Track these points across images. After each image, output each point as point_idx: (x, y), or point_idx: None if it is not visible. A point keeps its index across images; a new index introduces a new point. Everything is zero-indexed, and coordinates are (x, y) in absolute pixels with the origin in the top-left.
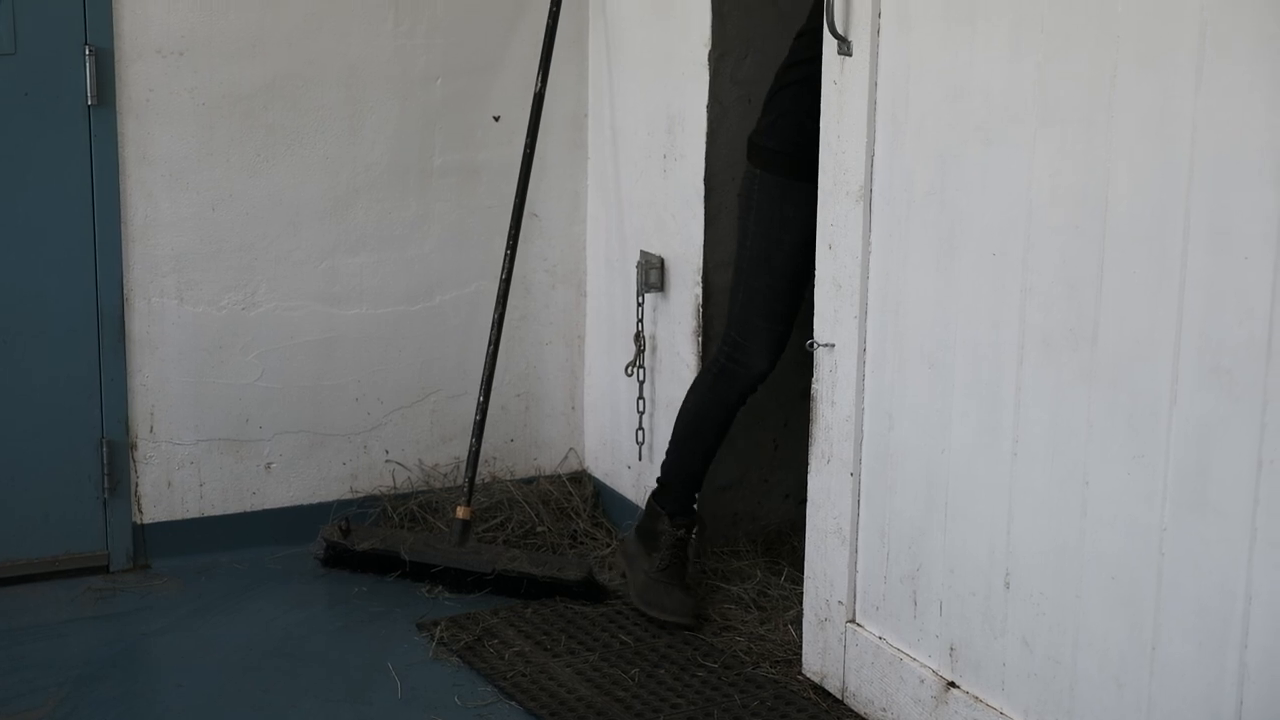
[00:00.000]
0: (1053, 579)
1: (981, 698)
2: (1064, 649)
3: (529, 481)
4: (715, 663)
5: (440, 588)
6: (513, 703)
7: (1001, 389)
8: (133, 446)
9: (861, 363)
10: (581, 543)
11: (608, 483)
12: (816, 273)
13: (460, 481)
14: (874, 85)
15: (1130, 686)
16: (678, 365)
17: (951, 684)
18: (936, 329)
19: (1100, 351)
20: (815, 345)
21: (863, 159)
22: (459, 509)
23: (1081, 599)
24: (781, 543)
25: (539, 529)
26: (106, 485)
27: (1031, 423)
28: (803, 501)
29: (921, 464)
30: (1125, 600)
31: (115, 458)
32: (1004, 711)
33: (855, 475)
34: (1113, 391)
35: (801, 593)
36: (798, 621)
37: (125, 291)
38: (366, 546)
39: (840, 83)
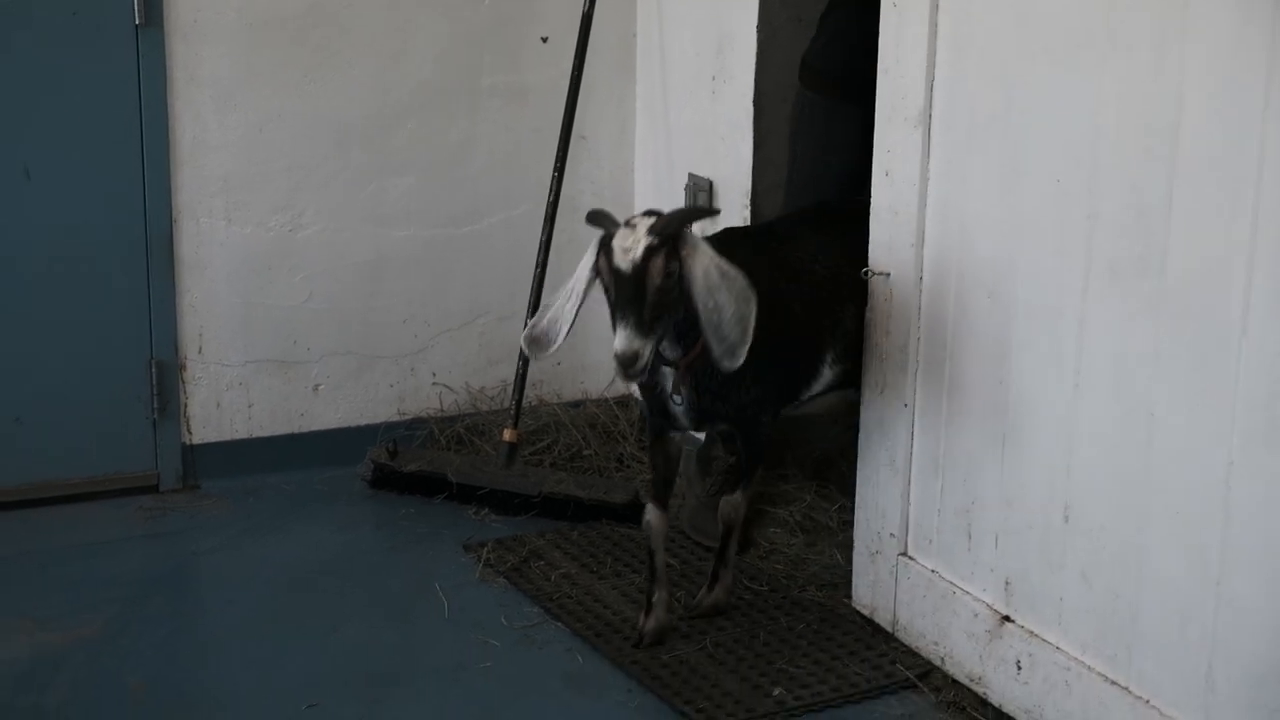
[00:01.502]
0: (1114, 512)
1: (1037, 632)
2: (1125, 584)
3: (576, 405)
4: (761, 585)
5: (487, 510)
6: (558, 623)
7: (1064, 319)
8: (182, 368)
9: (918, 292)
10: (628, 466)
11: None
12: (872, 200)
13: (507, 404)
14: (935, 7)
15: (1194, 622)
16: None
17: (1006, 618)
18: (997, 258)
19: (1168, 280)
20: (871, 273)
21: (922, 84)
22: (506, 432)
23: (1144, 533)
24: (830, 468)
25: (585, 452)
26: (156, 406)
27: (1095, 353)
28: (852, 428)
29: (979, 395)
30: (1190, 535)
31: (165, 379)
32: (1060, 646)
33: (910, 406)
34: (1180, 321)
35: (849, 518)
36: (844, 547)
37: (174, 213)
38: (414, 468)
39: (900, 4)
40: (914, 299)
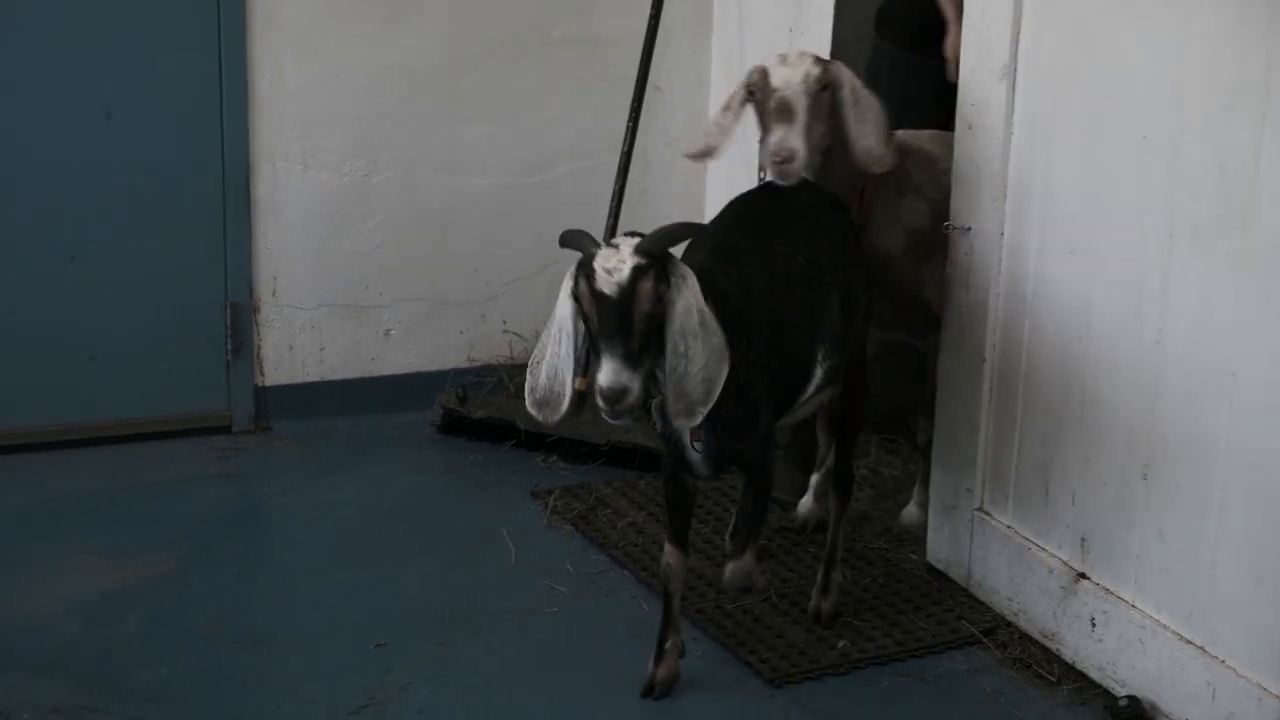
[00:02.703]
0: (1193, 471)
1: (1112, 589)
2: (1202, 543)
3: None
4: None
5: (554, 457)
6: (625, 571)
7: (1147, 276)
8: (256, 310)
9: (999, 247)
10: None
11: None
12: (955, 153)
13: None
14: None
15: (1270, 581)
16: None
17: (1082, 575)
18: (1080, 214)
19: (1253, 239)
20: (951, 228)
21: (1008, 37)
22: (576, 380)
23: (1222, 493)
24: (899, 421)
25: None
26: (230, 347)
27: (1177, 311)
28: (923, 380)
29: (1059, 351)
30: (1270, 496)
31: (239, 321)
32: (1135, 604)
33: (988, 361)
34: (1264, 281)
35: (914, 472)
36: (912, 503)
37: (251, 157)
38: (483, 415)
39: None
40: (994, 254)
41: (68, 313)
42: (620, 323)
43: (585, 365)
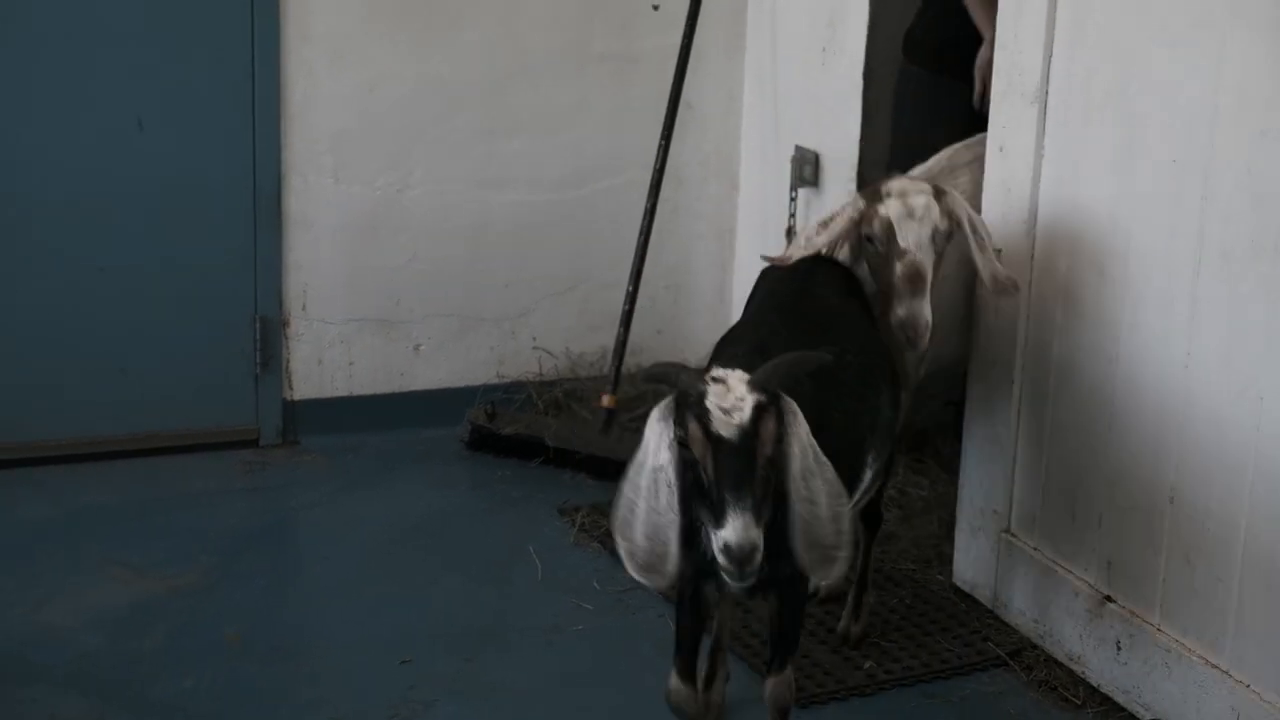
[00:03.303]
0: (1220, 496)
1: (1138, 613)
2: (1229, 568)
3: None
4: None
5: (583, 475)
6: (651, 590)
7: (1176, 299)
8: (285, 324)
9: (1029, 269)
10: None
11: None
12: (985, 176)
13: (606, 371)
14: None
15: None
16: None
17: (1108, 598)
18: (1109, 236)
19: None
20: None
21: (1040, 60)
22: (604, 397)
23: (1249, 518)
24: (926, 443)
25: None
26: (259, 361)
27: (1206, 335)
28: (952, 403)
29: (1087, 373)
30: None
31: (268, 334)
32: (1162, 628)
33: (1017, 383)
34: None
35: (941, 495)
36: (939, 523)
37: (282, 170)
38: (511, 431)
39: None
40: (1025, 275)
41: (97, 325)
42: (745, 471)
43: (615, 385)
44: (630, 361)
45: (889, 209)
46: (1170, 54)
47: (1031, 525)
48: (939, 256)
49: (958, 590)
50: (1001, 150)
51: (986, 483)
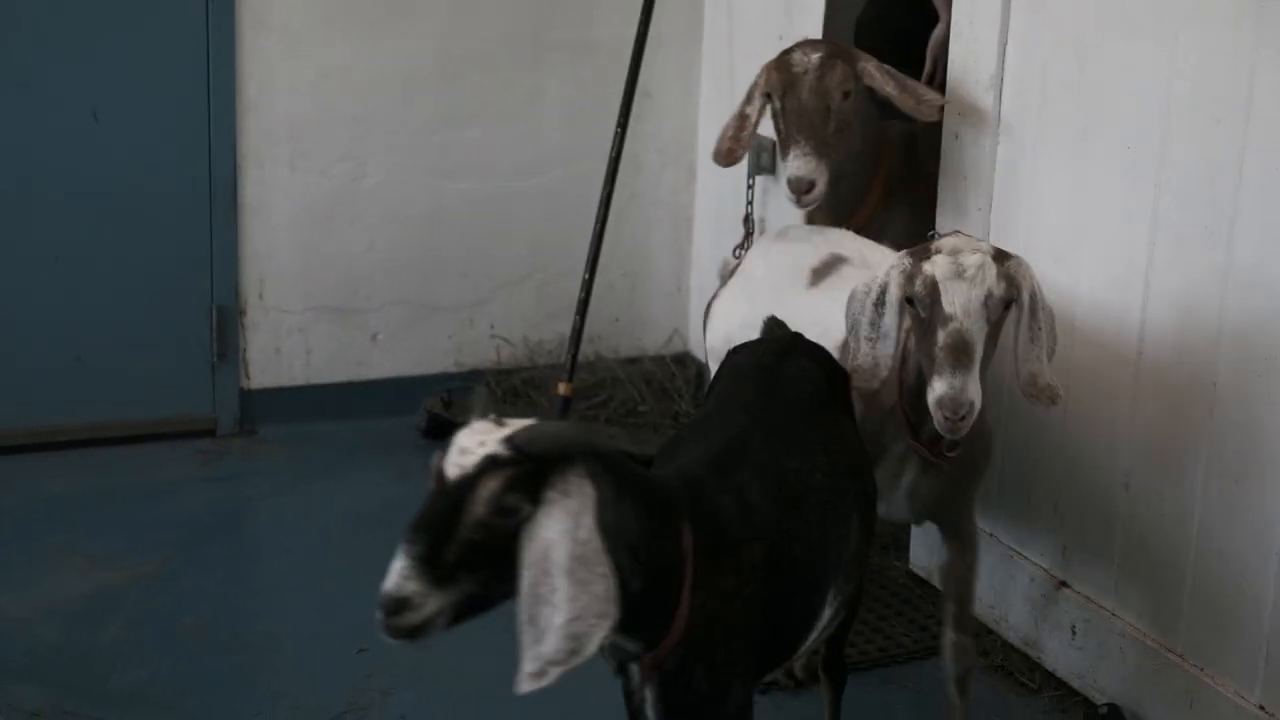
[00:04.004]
0: (1175, 482)
1: (1093, 599)
2: (1183, 553)
3: (633, 361)
4: None
5: None
6: None
7: (1130, 286)
8: (242, 313)
9: None
10: (683, 423)
11: (712, 365)
12: (941, 164)
13: (564, 359)
14: None
15: (1250, 592)
16: None
17: (1063, 584)
18: (1065, 223)
19: (1236, 251)
20: (936, 236)
21: (995, 47)
22: (560, 385)
23: (1205, 503)
24: None
25: (641, 408)
26: (216, 351)
27: (1160, 322)
28: None
29: None
30: (1248, 506)
31: (225, 324)
32: (1116, 613)
33: None
34: (1247, 293)
35: None
36: None
37: (238, 159)
38: (468, 419)
39: None
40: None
41: (52, 315)
42: (437, 518)
43: (570, 373)
44: (588, 349)
45: (935, 267)
46: (1126, 42)
47: (987, 511)
48: (993, 327)
49: (914, 576)
50: (957, 138)
51: None
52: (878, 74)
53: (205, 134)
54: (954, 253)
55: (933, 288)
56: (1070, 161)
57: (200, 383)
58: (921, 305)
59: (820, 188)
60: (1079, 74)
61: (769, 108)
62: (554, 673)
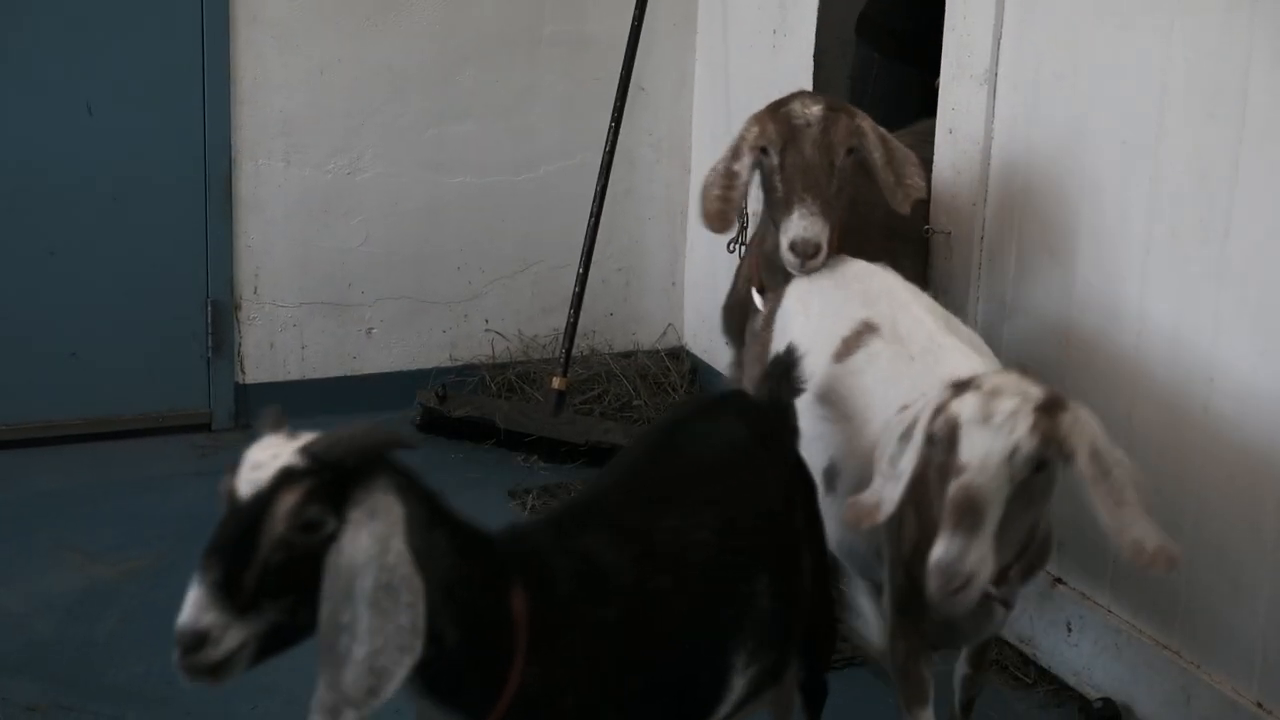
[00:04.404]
0: (1170, 476)
1: (1088, 594)
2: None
3: (627, 355)
4: None
5: (534, 457)
6: None
7: (1126, 281)
8: (237, 307)
9: (979, 251)
10: None
11: (706, 360)
12: (935, 158)
13: (559, 353)
14: None
15: (1245, 588)
16: None
17: (1058, 580)
18: (1060, 218)
19: (1232, 245)
20: (931, 231)
21: (989, 41)
22: (555, 379)
23: (1200, 497)
24: None
25: (635, 403)
26: (211, 345)
27: (1155, 316)
28: None
29: (1037, 356)
30: (1245, 500)
31: (220, 318)
32: (1111, 609)
33: None
34: (1242, 286)
35: None
36: None
37: (233, 153)
38: (462, 413)
39: None
40: (974, 258)
41: (47, 309)
42: (232, 540)
43: (565, 367)
44: (583, 344)
45: (963, 405)
46: (1120, 35)
47: None
48: (1021, 488)
49: None
50: (951, 133)
51: None
52: (871, 134)
53: (200, 128)
54: (993, 393)
55: (953, 429)
56: (1064, 156)
57: (195, 377)
58: (940, 447)
59: (825, 252)
60: (1073, 67)
61: (759, 163)
62: (349, 716)
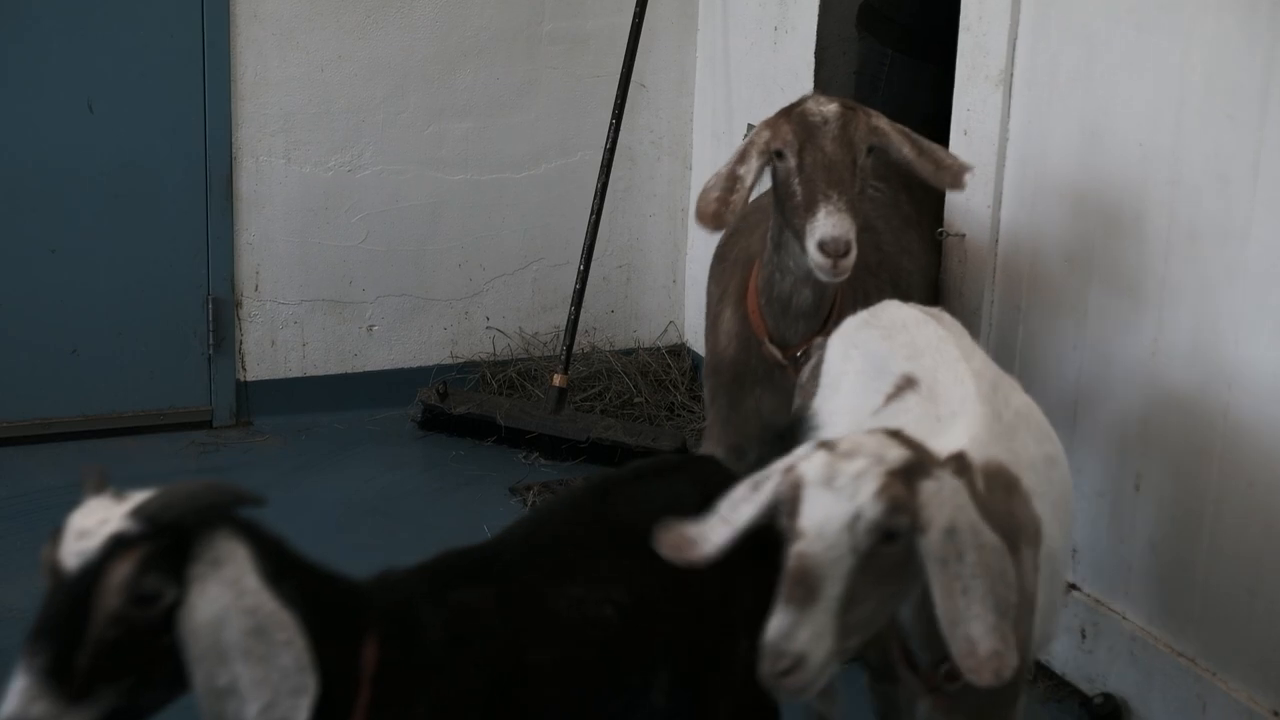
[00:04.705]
0: (1187, 483)
1: (1103, 600)
2: (1195, 555)
3: (628, 353)
4: None
5: (535, 454)
6: None
7: (1144, 284)
8: (238, 305)
9: (994, 254)
10: (679, 415)
11: None
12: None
13: (560, 350)
14: None
15: (1263, 596)
16: None
17: (1073, 586)
18: (1076, 221)
19: (1251, 248)
20: (945, 234)
21: (1004, 41)
22: (555, 376)
23: (1218, 505)
24: None
25: (636, 400)
26: (212, 342)
27: (1174, 320)
28: None
29: (1052, 359)
30: (1264, 508)
31: (221, 315)
32: (1126, 615)
33: None
34: (1261, 290)
35: None
36: None
37: (234, 151)
38: (463, 410)
39: None
40: (989, 261)
41: (48, 306)
42: (60, 619)
43: (566, 365)
44: (584, 341)
45: (809, 466)
46: (1137, 36)
47: None
48: (867, 560)
49: None
50: (966, 134)
51: None
52: (893, 133)
53: (201, 126)
54: (845, 454)
55: (796, 491)
56: (1081, 158)
57: (196, 374)
58: (783, 511)
59: (854, 253)
60: (1089, 68)
61: (773, 168)
62: None
